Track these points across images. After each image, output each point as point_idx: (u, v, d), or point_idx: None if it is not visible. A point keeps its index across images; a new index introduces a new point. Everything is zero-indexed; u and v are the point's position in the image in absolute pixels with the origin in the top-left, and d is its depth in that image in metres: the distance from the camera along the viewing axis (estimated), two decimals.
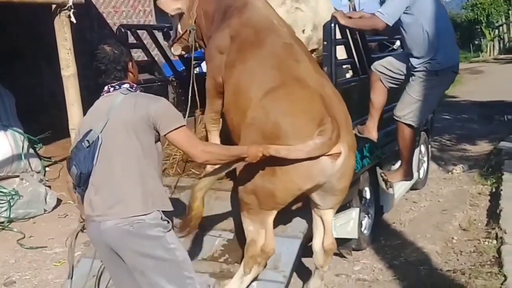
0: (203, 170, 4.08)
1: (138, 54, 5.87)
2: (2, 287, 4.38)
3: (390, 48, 6.17)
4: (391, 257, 4.44)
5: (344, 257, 4.39)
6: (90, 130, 2.61)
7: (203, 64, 5.58)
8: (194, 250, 3.67)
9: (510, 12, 36.33)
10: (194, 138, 2.78)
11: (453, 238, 4.80)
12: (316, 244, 3.41)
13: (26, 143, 6.21)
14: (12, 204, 5.62)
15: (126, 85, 2.71)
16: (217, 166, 2.99)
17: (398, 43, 6.03)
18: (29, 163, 6.18)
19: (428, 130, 6.48)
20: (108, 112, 2.60)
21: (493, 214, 5.18)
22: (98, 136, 2.59)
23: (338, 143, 3.07)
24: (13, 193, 5.70)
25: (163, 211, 2.66)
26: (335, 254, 4.30)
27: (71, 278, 3.11)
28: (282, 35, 3.59)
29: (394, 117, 4.17)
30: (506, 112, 12.13)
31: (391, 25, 3.81)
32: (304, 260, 3.83)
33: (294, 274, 3.74)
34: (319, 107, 3.12)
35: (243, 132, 3.24)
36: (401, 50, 5.78)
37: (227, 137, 3.93)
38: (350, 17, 3.99)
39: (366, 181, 4.54)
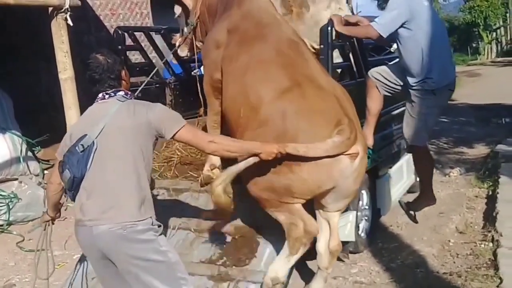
0: (200, 172, 4.10)
1: (135, 57, 5.89)
2: None
3: (387, 51, 6.18)
4: (388, 260, 4.46)
5: (342, 260, 4.40)
6: (85, 135, 2.62)
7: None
8: (192, 253, 3.70)
9: (507, 15, 36.52)
10: (198, 132, 2.91)
11: (449, 241, 4.81)
12: (321, 246, 3.40)
13: (24, 146, 6.22)
14: (11, 207, 5.64)
15: (121, 93, 2.75)
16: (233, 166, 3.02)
17: (395, 45, 6.04)
18: (28, 166, 6.19)
19: None
20: (105, 118, 2.62)
21: (490, 217, 5.20)
22: (93, 141, 2.60)
23: (355, 144, 3.09)
24: (12, 196, 5.72)
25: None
26: None
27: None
28: (287, 32, 3.56)
29: (404, 140, 4.24)
30: (503, 115, 12.18)
31: (385, 36, 3.80)
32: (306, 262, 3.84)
33: (297, 275, 3.76)
34: (336, 108, 3.14)
35: (254, 132, 3.16)
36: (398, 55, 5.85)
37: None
38: (346, 22, 3.99)
39: (364, 184, 4.54)
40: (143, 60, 5.30)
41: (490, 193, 6.10)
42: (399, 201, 4.57)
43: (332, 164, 3.04)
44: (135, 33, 5.17)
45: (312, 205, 3.42)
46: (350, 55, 4.38)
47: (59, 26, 4.89)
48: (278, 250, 3.41)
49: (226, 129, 3.72)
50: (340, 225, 3.98)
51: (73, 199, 2.69)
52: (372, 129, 4.21)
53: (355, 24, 4.02)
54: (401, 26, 3.82)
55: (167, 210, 4.03)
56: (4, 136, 6.04)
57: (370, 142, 4.23)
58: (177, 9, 4.53)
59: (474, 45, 38.75)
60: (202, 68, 5.76)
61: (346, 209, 4.15)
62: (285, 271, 3.29)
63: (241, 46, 3.52)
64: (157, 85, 5.01)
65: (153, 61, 5.36)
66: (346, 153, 3.05)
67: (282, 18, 3.75)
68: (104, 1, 8.58)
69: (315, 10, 4.23)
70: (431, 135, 4.21)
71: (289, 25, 3.75)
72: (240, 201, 3.77)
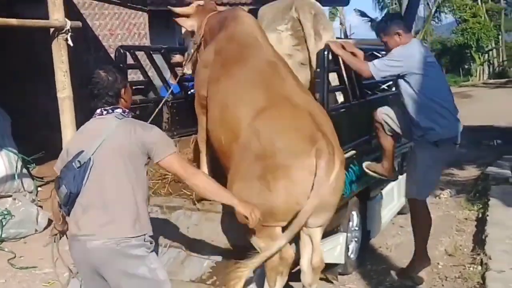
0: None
1: (138, 75, 5.98)
2: None
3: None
4: (376, 282, 4.50)
5: (331, 282, 4.44)
6: (82, 151, 2.67)
7: None
8: (182, 272, 3.74)
9: (499, 37, 37.03)
10: (185, 162, 2.92)
11: (438, 263, 4.86)
12: (304, 263, 3.46)
13: (19, 163, 6.26)
14: (4, 223, 5.66)
15: (119, 110, 2.80)
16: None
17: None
18: (22, 183, 6.21)
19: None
20: (102, 135, 2.68)
21: (479, 240, 5.26)
22: (90, 158, 2.65)
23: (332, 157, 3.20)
24: (5, 212, 5.73)
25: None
26: (322, 279, 4.38)
27: None
28: (266, 53, 3.72)
29: (406, 197, 4.22)
30: (494, 137, 12.31)
31: (376, 79, 3.91)
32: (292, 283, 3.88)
33: None
34: (309, 124, 3.26)
35: (236, 154, 3.32)
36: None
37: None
38: (343, 47, 4.07)
39: (354, 205, 4.61)
40: (142, 78, 5.40)
41: (480, 215, 6.17)
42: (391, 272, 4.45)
43: (307, 179, 3.14)
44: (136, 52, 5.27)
45: None
46: (345, 78, 4.47)
47: (60, 46, 4.97)
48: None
49: (215, 154, 3.83)
50: (329, 247, 4.07)
51: (68, 214, 2.74)
52: (390, 163, 4.24)
53: (352, 53, 4.11)
54: (401, 78, 3.91)
55: (159, 228, 4.06)
56: (0, 153, 6.08)
57: (392, 175, 4.28)
58: (184, 30, 4.65)
59: (466, 66, 39.15)
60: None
61: (336, 231, 4.24)
62: None
63: (222, 68, 3.71)
64: (155, 103, 5.07)
65: (152, 79, 5.44)
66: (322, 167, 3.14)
67: (264, 40, 3.87)
68: (103, 22, 8.73)
69: (327, 38, 4.33)
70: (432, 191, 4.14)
71: (270, 46, 3.87)
72: (233, 220, 3.85)
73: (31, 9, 6.22)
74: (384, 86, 6.19)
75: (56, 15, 5.02)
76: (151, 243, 2.76)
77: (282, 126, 3.27)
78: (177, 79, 5.25)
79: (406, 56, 3.85)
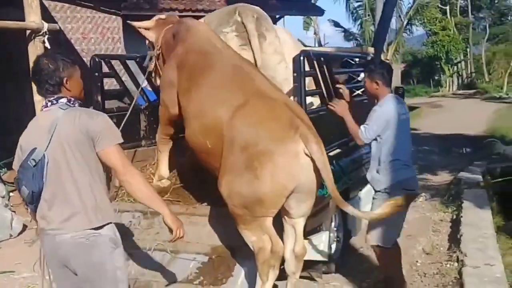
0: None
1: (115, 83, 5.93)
2: None
3: (355, 80, 6.42)
4: (359, 280, 4.58)
5: (315, 280, 4.50)
6: (35, 148, 2.64)
7: None
8: (170, 273, 3.75)
9: (468, 49, 38.04)
10: (125, 158, 2.77)
11: (417, 261, 4.99)
12: (288, 251, 3.54)
13: None
14: None
15: (64, 100, 2.71)
16: None
17: (362, 75, 6.31)
18: None
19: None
20: (50, 129, 2.63)
21: (454, 239, 5.41)
22: (44, 154, 2.63)
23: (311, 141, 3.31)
24: None
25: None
26: (306, 277, 4.45)
27: None
28: (229, 57, 3.86)
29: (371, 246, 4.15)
30: (464, 145, 12.67)
31: (366, 142, 3.98)
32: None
33: None
34: (287, 112, 3.40)
35: (222, 151, 3.42)
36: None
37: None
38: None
39: (335, 206, 4.67)
40: (118, 87, 5.38)
41: (454, 217, 6.35)
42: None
43: (291, 163, 3.26)
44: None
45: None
46: (321, 83, 4.57)
47: (36, 49, 4.93)
48: (254, 270, 3.49)
49: (199, 161, 3.88)
50: (314, 245, 4.13)
51: (35, 211, 2.72)
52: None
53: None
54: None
55: (143, 232, 4.09)
56: None
57: None
58: (146, 41, 4.71)
59: (436, 77, 40.13)
60: None
61: (319, 230, 4.31)
62: None
63: (190, 79, 3.81)
64: (130, 112, 5.05)
65: (128, 87, 5.42)
66: (304, 150, 3.26)
67: (222, 45, 4.00)
68: (76, 25, 8.61)
69: (271, 38, 4.49)
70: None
71: (231, 50, 4.00)
72: (217, 223, 3.89)
73: (5, 13, 6.13)
74: (358, 92, 6.31)
75: (33, 17, 5.00)
76: (115, 235, 2.74)
77: (261, 117, 3.40)
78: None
79: (386, 120, 3.96)
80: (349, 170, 4.81)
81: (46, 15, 7.58)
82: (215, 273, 3.64)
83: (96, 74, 4.61)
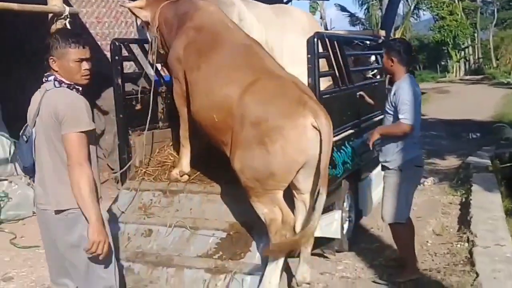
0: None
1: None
2: (1, 282, 4.46)
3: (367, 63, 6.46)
4: (371, 258, 4.69)
5: (328, 257, 4.63)
6: (27, 125, 2.77)
7: None
8: (189, 249, 3.86)
9: (475, 34, 37.71)
10: (83, 149, 2.68)
11: (427, 241, 5.10)
12: (298, 227, 3.64)
13: (12, 148, 6.26)
14: (2, 206, 5.72)
15: (52, 78, 2.75)
16: None
17: (373, 58, 6.36)
18: (15, 167, 6.20)
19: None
20: (38, 107, 2.73)
21: (464, 221, 5.51)
22: (32, 131, 2.74)
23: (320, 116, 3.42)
24: (2, 195, 5.80)
25: None
26: (320, 255, 4.57)
27: None
28: (240, 37, 3.94)
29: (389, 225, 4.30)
30: (472, 130, 12.70)
31: (413, 123, 4.00)
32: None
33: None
34: (295, 89, 3.53)
35: (233, 127, 3.55)
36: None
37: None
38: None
39: (347, 186, 4.78)
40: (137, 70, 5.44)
41: (463, 200, 6.44)
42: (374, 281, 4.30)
43: (301, 137, 3.39)
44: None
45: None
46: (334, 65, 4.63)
47: None
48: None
49: (205, 135, 3.98)
50: (327, 223, 4.25)
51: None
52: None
53: None
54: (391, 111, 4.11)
55: (163, 210, 4.21)
56: None
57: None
58: (139, 20, 4.72)
59: (443, 63, 39.91)
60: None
61: (332, 209, 4.42)
62: (276, 279, 3.51)
63: (199, 57, 3.87)
64: (148, 94, 5.13)
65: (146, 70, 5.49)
66: (312, 124, 3.37)
67: (234, 26, 4.08)
68: (90, 10, 8.63)
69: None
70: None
71: (241, 31, 4.08)
72: (234, 201, 4.00)
73: None
74: (369, 75, 6.37)
75: (55, 1, 5.07)
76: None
77: (271, 94, 3.52)
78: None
79: (415, 97, 4.06)
80: (360, 151, 4.91)
81: None
82: (234, 248, 3.74)
83: (116, 57, 4.69)
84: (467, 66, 39.43)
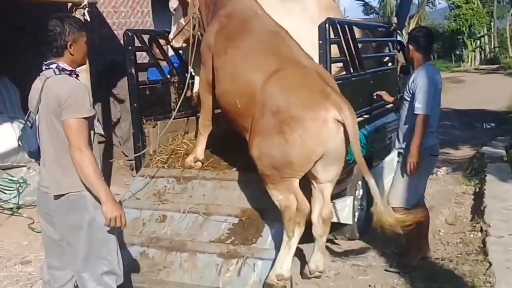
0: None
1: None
2: (19, 265, 4.57)
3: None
4: (382, 247, 4.71)
5: (339, 244, 4.67)
6: (30, 112, 2.83)
7: None
8: (202, 234, 3.92)
9: (491, 23, 37.14)
10: (84, 134, 2.73)
11: (440, 231, 5.10)
12: (315, 215, 3.70)
13: None
14: (20, 191, 5.85)
15: (53, 65, 2.78)
16: None
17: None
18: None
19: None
20: (40, 94, 2.78)
21: (478, 211, 5.49)
22: (35, 118, 2.81)
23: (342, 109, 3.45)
24: (21, 181, 5.93)
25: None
26: (331, 241, 4.60)
27: None
28: (267, 24, 3.96)
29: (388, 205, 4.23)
30: (486, 120, 12.59)
31: (428, 112, 3.99)
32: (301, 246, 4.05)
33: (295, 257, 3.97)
34: (318, 80, 3.53)
35: (254, 113, 3.58)
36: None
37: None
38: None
39: (359, 173, 4.78)
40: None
41: (477, 190, 6.40)
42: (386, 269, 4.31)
43: (321, 129, 3.41)
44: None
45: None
46: (346, 51, 4.62)
47: None
48: (282, 230, 3.64)
49: (228, 121, 4.04)
50: (339, 208, 4.28)
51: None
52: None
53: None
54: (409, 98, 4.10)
55: (177, 196, 4.27)
56: (12, 124, 6.18)
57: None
58: (173, 3, 4.74)
59: (458, 52, 39.37)
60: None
61: (344, 195, 4.45)
62: (288, 264, 3.57)
63: (227, 42, 3.91)
64: (161, 84, 5.17)
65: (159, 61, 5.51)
66: (335, 117, 3.39)
67: (263, 13, 4.09)
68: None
69: None
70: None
71: (270, 18, 4.08)
72: (246, 187, 4.04)
73: None
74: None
75: None
76: (96, 200, 2.77)
77: (293, 83, 3.53)
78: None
79: (434, 85, 4.06)
80: (372, 138, 4.91)
81: None
82: (246, 233, 3.80)
83: (129, 48, 4.74)
84: (482, 56, 38.82)
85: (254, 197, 3.98)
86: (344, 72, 4.73)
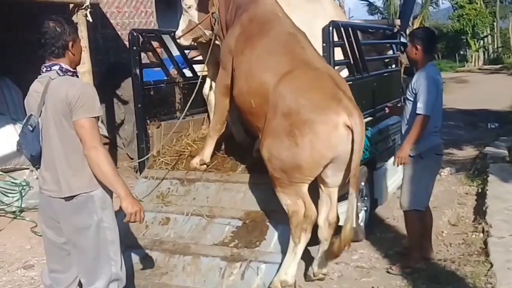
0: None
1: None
2: (22, 270, 4.58)
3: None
4: (386, 248, 4.71)
5: None
6: (31, 115, 2.80)
7: None
8: (205, 237, 3.93)
9: (495, 24, 37.09)
10: (96, 133, 2.77)
11: (442, 232, 5.10)
12: (321, 219, 3.70)
13: None
14: (23, 194, 5.84)
15: (56, 67, 2.78)
16: None
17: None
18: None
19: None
20: (42, 97, 2.76)
21: (480, 211, 5.50)
22: (38, 121, 2.79)
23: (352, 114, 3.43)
24: (24, 184, 5.92)
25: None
26: None
27: None
28: (285, 26, 3.95)
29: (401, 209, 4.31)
30: (490, 120, 12.58)
31: (429, 114, 3.99)
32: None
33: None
34: (330, 84, 3.52)
35: (266, 114, 3.58)
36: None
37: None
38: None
39: (363, 175, 4.80)
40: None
41: (480, 190, 6.40)
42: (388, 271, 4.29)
43: (331, 133, 3.40)
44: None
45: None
46: (349, 54, 4.63)
47: (79, 22, 5.08)
48: (285, 234, 3.66)
49: (243, 122, 4.07)
50: (343, 210, 4.26)
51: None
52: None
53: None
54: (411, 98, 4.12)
55: (181, 198, 4.28)
56: (14, 126, 6.18)
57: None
58: (190, 0, 4.69)
59: (462, 52, 39.33)
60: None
61: (347, 196, 4.43)
62: (293, 271, 3.58)
63: (245, 43, 3.91)
64: (167, 84, 5.18)
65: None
66: (345, 122, 3.39)
67: (283, 15, 4.08)
68: (111, 0, 8.72)
69: None
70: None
71: (289, 20, 4.06)
72: (251, 189, 4.06)
73: None
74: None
75: None
76: (105, 196, 2.82)
77: (305, 86, 3.53)
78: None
79: (436, 85, 4.08)
80: (375, 140, 4.92)
81: None
82: (249, 236, 3.80)
83: (134, 48, 4.74)
84: (486, 56, 38.80)
85: (258, 199, 3.99)
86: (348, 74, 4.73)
